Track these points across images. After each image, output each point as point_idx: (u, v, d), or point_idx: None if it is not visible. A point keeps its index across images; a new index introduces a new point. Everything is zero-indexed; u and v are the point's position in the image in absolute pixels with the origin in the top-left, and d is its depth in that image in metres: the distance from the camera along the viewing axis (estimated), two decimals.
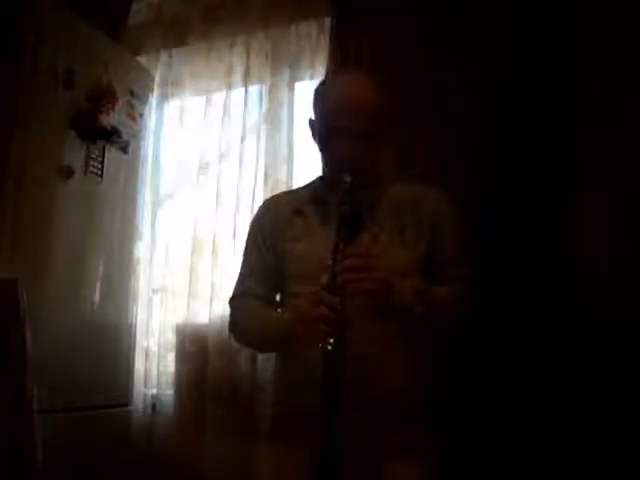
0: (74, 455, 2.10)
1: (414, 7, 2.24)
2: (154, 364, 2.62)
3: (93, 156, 2.39)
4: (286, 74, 2.58)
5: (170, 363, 2.57)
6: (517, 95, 2.02)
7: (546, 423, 1.84)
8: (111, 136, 2.43)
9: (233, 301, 1.59)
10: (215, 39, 2.73)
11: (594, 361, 1.82)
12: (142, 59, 2.83)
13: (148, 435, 2.55)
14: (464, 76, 2.08)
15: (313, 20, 2.55)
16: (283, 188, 2.42)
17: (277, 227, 1.54)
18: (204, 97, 2.75)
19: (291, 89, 2.57)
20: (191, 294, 2.57)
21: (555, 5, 2.02)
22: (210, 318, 2.48)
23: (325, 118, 1.47)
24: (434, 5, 2.20)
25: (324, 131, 1.46)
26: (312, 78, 2.53)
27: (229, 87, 2.68)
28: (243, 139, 2.60)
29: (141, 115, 2.67)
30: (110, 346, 2.45)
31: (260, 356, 2.32)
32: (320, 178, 1.58)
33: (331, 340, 1.20)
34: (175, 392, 2.52)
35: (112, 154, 2.47)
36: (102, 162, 2.43)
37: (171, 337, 2.59)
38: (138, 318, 2.65)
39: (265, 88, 2.61)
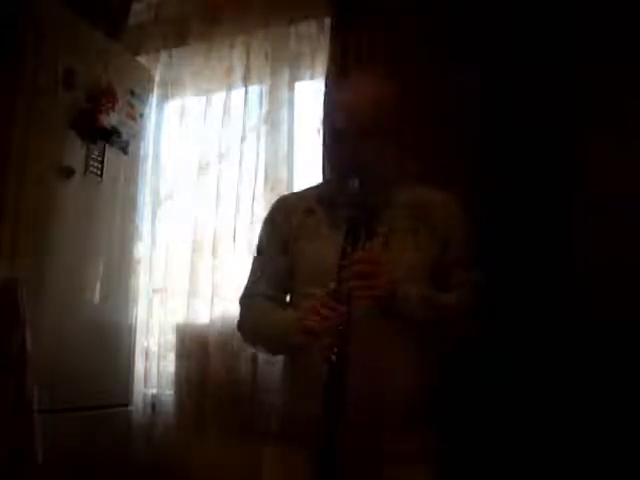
0: (74, 455, 2.10)
1: (414, 7, 2.24)
2: (154, 364, 2.62)
3: (93, 156, 2.39)
4: (286, 74, 2.57)
5: (170, 363, 2.57)
6: (517, 95, 2.02)
7: (547, 423, 1.84)
8: (111, 136, 2.44)
9: (243, 300, 1.59)
10: (215, 39, 2.73)
11: (594, 361, 1.82)
12: (142, 59, 2.83)
13: (148, 435, 2.54)
14: (464, 75, 2.08)
15: (313, 20, 2.54)
16: (283, 188, 2.42)
17: (289, 226, 1.53)
18: (204, 97, 2.74)
19: (291, 89, 2.57)
20: (191, 294, 2.56)
21: (555, 4, 2.02)
22: (210, 318, 2.48)
23: (333, 120, 1.47)
24: (434, 5, 2.20)
25: (332, 133, 1.46)
26: (312, 78, 2.53)
27: (229, 87, 2.67)
28: (243, 139, 2.59)
29: (141, 115, 2.67)
30: (110, 346, 2.45)
31: (260, 357, 2.32)
32: (329, 180, 1.58)
33: (335, 350, 1.20)
34: (175, 392, 2.52)
35: (112, 154, 2.48)
36: (102, 162, 2.43)
37: (171, 337, 2.58)
38: (138, 318, 2.65)
39: (265, 88, 2.61)
